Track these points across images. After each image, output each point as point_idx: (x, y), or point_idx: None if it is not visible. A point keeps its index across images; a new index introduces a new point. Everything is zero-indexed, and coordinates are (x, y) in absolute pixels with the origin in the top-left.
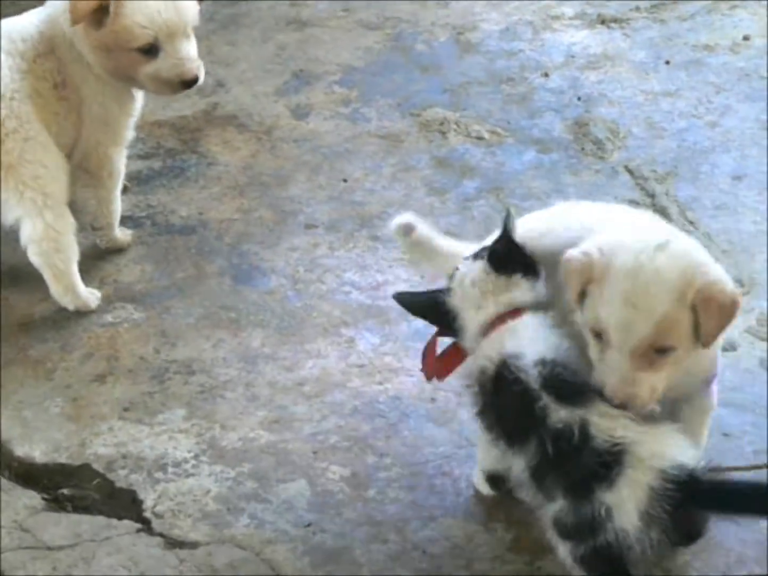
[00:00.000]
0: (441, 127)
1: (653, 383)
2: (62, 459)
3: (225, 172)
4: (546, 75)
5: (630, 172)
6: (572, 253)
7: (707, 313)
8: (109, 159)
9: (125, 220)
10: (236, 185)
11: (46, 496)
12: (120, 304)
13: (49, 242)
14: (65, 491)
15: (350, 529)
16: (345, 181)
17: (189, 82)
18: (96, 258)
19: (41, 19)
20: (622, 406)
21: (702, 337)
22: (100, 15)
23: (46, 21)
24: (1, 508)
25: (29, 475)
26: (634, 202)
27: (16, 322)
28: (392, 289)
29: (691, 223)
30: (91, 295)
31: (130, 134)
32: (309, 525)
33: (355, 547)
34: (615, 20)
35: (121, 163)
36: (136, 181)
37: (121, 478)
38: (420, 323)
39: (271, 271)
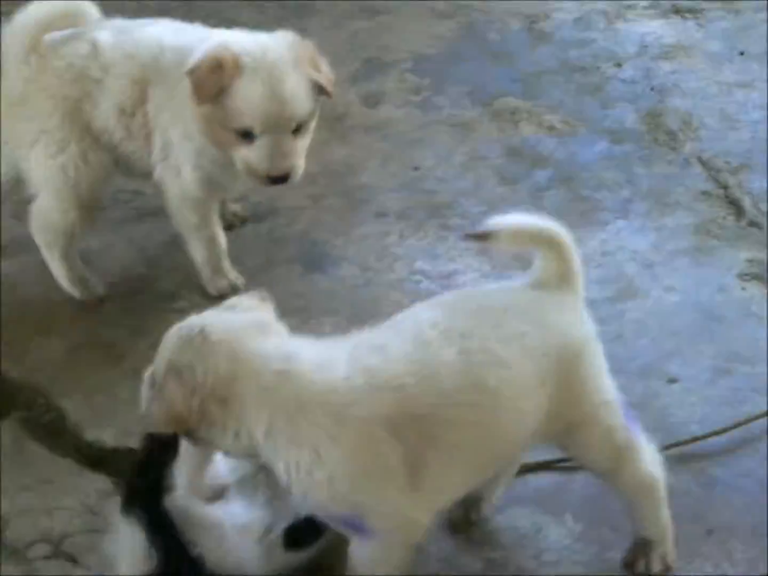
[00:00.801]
0: (513, 116)
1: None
2: (132, 443)
3: None
4: (619, 65)
5: (703, 163)
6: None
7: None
8: None
9: None
10: (307, 173)
11: (115, 480)
12: (189, 290)
13: None
14: None
15: None
16: (416, 169)
17: (276, 179)
18: (167, 245)
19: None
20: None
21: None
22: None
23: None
24: (70, 491)
25: (99, 459)
26: (706, 194)
27: (86, 307)
28: (463, 279)
29: (765, 214)
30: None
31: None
32: None
33: None
34: (689, 10)
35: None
36: None
37: None
38: None
39: (341, 259)
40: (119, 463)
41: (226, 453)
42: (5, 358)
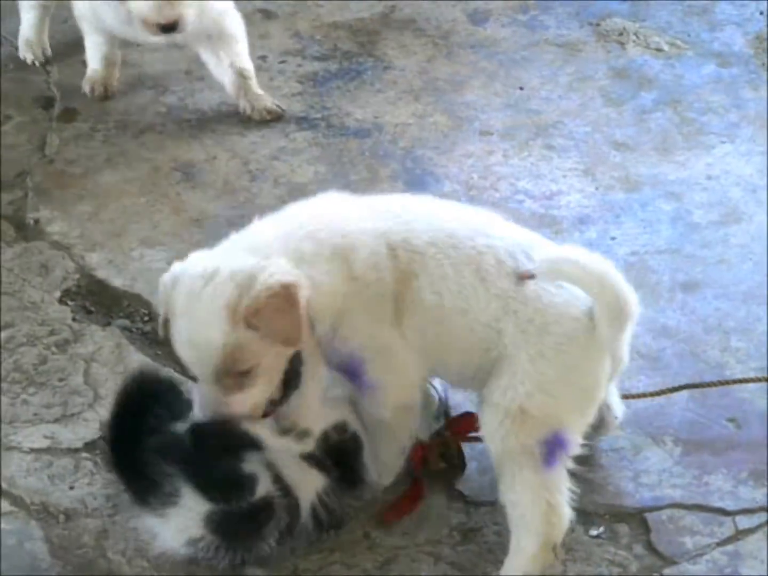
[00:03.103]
0: (620, 37)
1: (249, 400)
2: None
3: (401, 76)
4: None
5: None
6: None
7: (267, 322)
8: None
9: (300, 121)
10: (412, 90)
11: None
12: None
13: None
14: None
15: None
16: (521, 89)
17: (165, 27)
18: (271, 158)
19: None
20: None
21: (281, 340)
22: None
23: None
24: None
25: None
26: None
27: (189, 219)
28: (566, 200)
29: None
30: None
31: None
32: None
33: None
34: None
35: None
36: (312, 83)
37: None
38: (593, 234)
39: (444, 177)
40: None
41: None
42: (108, 267)
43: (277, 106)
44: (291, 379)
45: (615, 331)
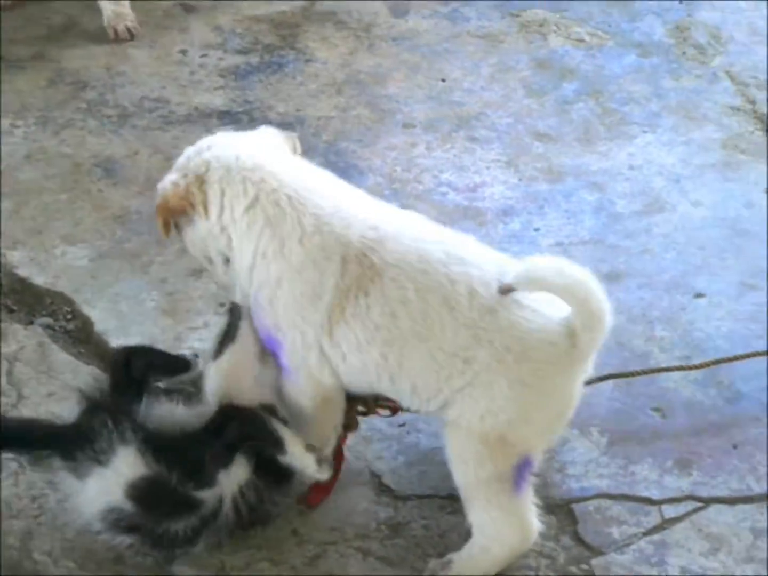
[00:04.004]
0: (541, 28)
1: None
2: None
3: (323, 69)
4: None
5: (731, 77)
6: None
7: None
8: None
9: (222, 115)
10: (334, 82)
11: None
12: None
13: None
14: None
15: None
16: (443, 80)
17: None
18: None
19: None
20: None
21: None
22: None
23: None
24: None
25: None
26: (735, 108)
27: (111, 215)
28: (489, 191)
29: None
30: None
31: None
32: (403, 425)
33: None
34: None
35: None
36: (233, 76)
37: None
38: (516, 225)
39: (368, 170)
40: None
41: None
42: (30, 265)
43: (132, 29)
44: (228, 332)
45: (594, 340)
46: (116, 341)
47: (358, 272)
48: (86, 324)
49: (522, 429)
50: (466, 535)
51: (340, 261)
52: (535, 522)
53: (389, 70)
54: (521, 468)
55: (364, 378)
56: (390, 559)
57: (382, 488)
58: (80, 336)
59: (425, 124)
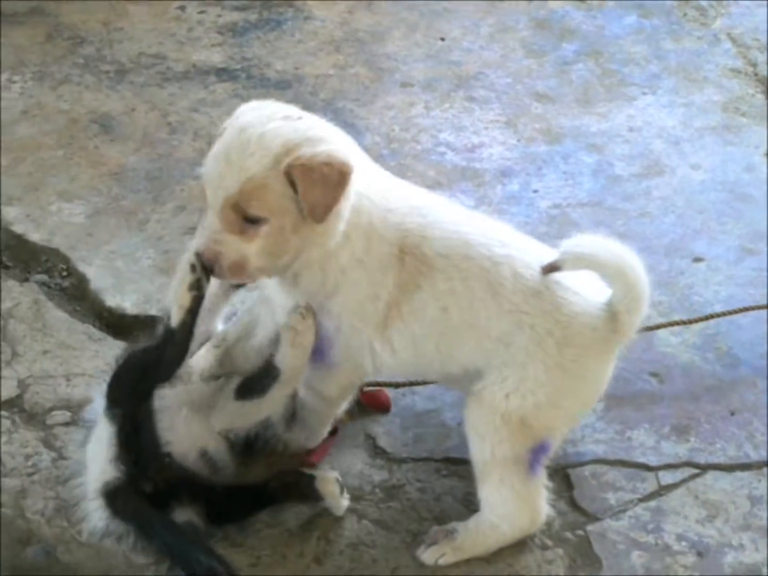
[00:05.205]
0: None
1: (242, 250)
2: (153, 311)
3: (321, 27)
4: None
5: (732, 39)
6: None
7: (305, 183)
8: None
9: (220, 72)
10: (332, 40)
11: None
12: None
13: None
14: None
15: (440, 392)
16: (442, 39)
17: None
18: (191, 110)
19: None
20: (210, 264)
21: (305, 207)
22: None
23: None
24: (89, 357)
25: (120, 326)
26: (735, 71)
27: (108, 172)
28: (488, 152)
29: None
30: None
31: None
32: (399, 386)
33: (444, 410)
34: None
35: None
36: (231, 33)
37: None
38: (515, 186)
39: (365, 129)
40: (140, 330)
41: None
42: (26, 222)
43: None
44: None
45: (635, 324)
46: (112, 299)
47: (413, 266)
48: (82, 281)
49: (547, 414)
50: (462, 498)
51: (399, 251)
52: (544, 506)
53: (388, 28)
54: (538, 451)
55: (410, 369)
56: (385, 522)
57: (376, 451)
58: (75, 293)
59: (424, 83)
